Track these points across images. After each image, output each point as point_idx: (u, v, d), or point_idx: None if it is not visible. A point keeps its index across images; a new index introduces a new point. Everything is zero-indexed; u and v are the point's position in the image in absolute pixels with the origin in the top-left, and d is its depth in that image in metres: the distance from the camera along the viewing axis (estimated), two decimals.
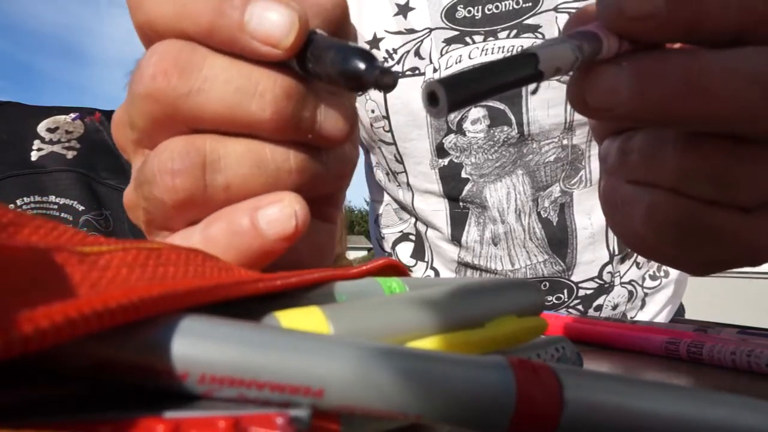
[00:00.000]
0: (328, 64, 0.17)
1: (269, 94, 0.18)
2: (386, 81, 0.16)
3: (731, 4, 0.17)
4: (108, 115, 0.75)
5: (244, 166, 0.18)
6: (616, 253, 0.56)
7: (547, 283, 0.56)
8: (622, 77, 0.17)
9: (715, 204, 0.20)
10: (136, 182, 0.19)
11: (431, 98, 0.14)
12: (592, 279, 0.56)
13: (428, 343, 0.13)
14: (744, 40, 0.17)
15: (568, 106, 0.52)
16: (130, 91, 0.18)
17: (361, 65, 0.16)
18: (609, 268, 0.56)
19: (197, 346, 0.09)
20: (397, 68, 0.55)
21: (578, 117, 0.52)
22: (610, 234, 0.55)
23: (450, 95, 0.14)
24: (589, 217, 0.55)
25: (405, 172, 0.58)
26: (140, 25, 0.19)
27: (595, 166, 0.54)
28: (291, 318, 0.12)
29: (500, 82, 0.15)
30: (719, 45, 0.18)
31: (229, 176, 0.18)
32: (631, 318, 0.59)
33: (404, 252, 0.62)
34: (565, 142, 0.53)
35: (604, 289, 0.57)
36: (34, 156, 0.69)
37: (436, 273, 0.60)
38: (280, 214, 0.18)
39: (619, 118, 0.18)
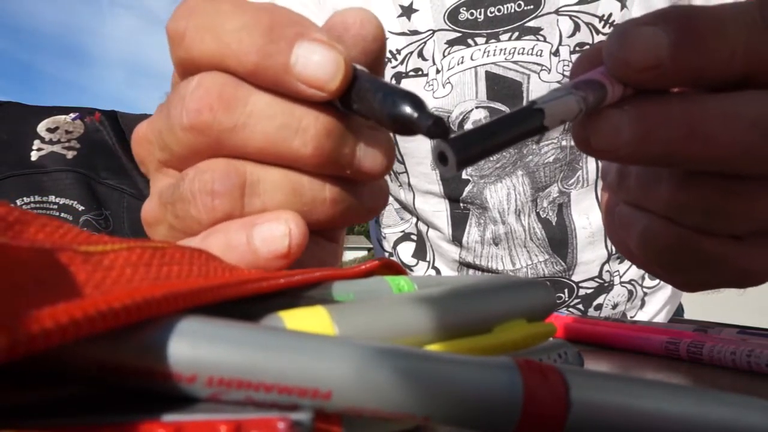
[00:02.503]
0: (375, 106, 0.17)
1: (311, 131, 0.18)
2: (438, 131, 0.16)
3: (737, 52, 0.17)
4: (108, 115, 0.75)
5: (282, 192, 0.18)
6: (614, 252, 0.56)
7: (548, 283, 0.56)
8: (625, 121, 0.18)
9: (708, 233, 0.20)
10: (166, 200, 0.19)
11: (441, 157, 0.15)
12: (592, 278, 0.56)
13: (435, 349, 0.13)
14: (747, 84, 0.18)
15: None
16: (168, 118, 0.18)
17: (414, 113, 0.16)
18: (607, 267, 0.56)
19: (205, 348, 0.09)
20: (401, 69, 0.55)
21: None
22: None
23: (458, 154, 0.14)
24: (587, 217, 0.55)
25: (406, 172, 0.58)
26: (180, 60, 0.18)
27: (591, 166, 0.54)
28: (295, 318, 0.12)
29: (506, 138, 0.16)
30: (721, 89, 0.18)
31: (266, 200, 0.18)
32: (631, 317, 0.59)
33: (405, 252, 0.62)
34: (564, 143, 0.53)
35: (604, 288, 0.57)
36: (34, 156, 0.69)
37: (438, 273, 0.61)
38: (274, 232, 0.18)
39: (622, 159, 0.19)
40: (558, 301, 0.57)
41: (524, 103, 0.52)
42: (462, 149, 0.15)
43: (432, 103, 0.54)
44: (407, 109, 0.16)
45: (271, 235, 0.18)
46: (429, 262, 0.61)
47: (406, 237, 0.62)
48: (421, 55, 0.54)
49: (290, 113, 0.18)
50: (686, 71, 0.17)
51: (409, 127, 0.16)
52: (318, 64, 0.17)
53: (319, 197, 0.19)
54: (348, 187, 0.20)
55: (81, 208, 0.68)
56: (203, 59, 0.18)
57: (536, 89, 0.52)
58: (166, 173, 0.20)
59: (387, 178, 0.62)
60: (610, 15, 0.51)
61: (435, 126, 0.16)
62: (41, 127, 0.70)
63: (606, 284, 0.57)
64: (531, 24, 0.52)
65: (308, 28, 0.17)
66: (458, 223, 0.57)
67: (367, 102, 0.17)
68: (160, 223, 0.20)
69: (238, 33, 0.17)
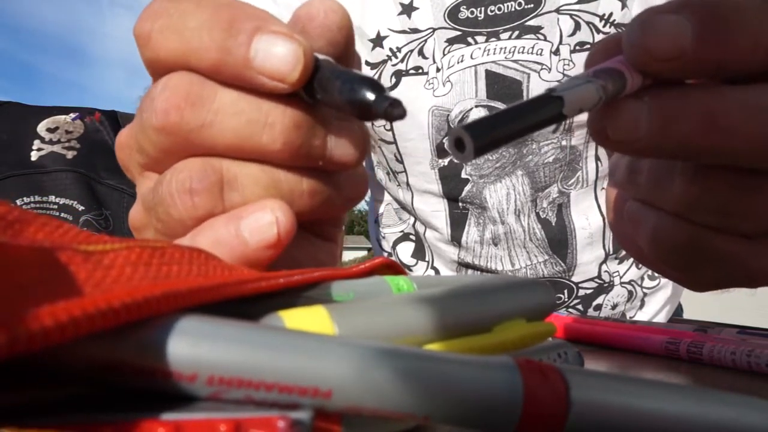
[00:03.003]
0: (335, 94, 0.17)
1: (279, 125, 0.18)
2: (396, 113, 0.16)
3: (761, 44, 0.17)
4: (108, 115, 0.75)
5: (259, 186, 0.19)
6: (611, 252, 0.56)
7: (546, 283, 0.56)
8: (643, 112, 0.17)
9: (719, 231, 0.20)
10: (147, 204, 0.19)
11: (458, 144, 0.14)
12: (591, 279, 0.56)
13: (435, 349, 0.13)
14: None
15: None
16: (140, 121, 0.18)
17: (371, 95, 0.16)
18: (605, 267, 0.56)
19: (206, 347, 0.09)
20: (401, 67, 0.55)
21: (578, 118, 0.52)
22: (607, 233, 0.55)
23: (476, 141, 0.14)
24: (586, 217, 0.55)
25: (405, 171, 0.58)
26: (148, 61, 0.19)
27: (591, 167, 0.54)
28: (295, 318, 0.12)
29: (524, 126, 0.15)
30: (742, 80, 0.18)
31: (245, 195, 0.18)
32: (630, 318, 0.59)
33: (405, 252, 0.62)
34: (564, 143, 0.53)
35: (604, 288, 0.57)
36: (34, 156, 0.68)
37: (437, 273, 0.61)
38: (261, 221, 0.18)
39: (639, 151, 0.18)
40: (558, 302, 0.57)
41: None
42: (480, 135, 0.14)
43: (432, 102, 0.54)
44: (365, 94, 0.16)
45: (258, 225, 0.18)
46: (428, 262, 0.61)
47: (405, 237, 0.62)
48: (421, 53, 0.54)
49: (257, 108, 0.18)
50: (708, 62, 0.17)
51: (367, 111, 0.16)
52: (277, 56, 0.17)
53: (296, 189, 0.19)
54: (325, 178, 0.20)
55: (81, 208, 0.68)
56: (169, 59, 0.18)
57: (536, 88, 0.52)
58: (148, 177, 0.20)
59: (384, 175, 0.62)
60: (611, 14, 0.51)
61: (392, 107, 0.16)
62: (41, 127, 0.70)
63: (605, 285, 0.57)
64: (531, 23, 0.52)
65: (267, 21, 0.17)
66: (457, 223, 0.57)
67: (328, 90, 0.17)
68: (146, 228, 0.20)
69: (199, 31, 0.17)
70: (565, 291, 0.56)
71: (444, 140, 0.55)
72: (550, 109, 0.16)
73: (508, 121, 0.15)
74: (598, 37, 0.52)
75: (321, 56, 0.18)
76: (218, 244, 0.18)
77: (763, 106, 0.17)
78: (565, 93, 0.16)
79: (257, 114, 0.18)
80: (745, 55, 0.17)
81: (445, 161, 0.55)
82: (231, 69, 0.17)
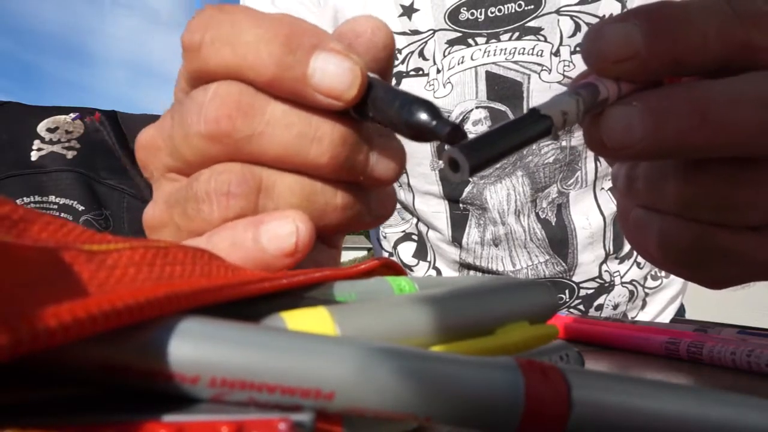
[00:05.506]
0: (392, 114, 0.17)
1: (327, 139, 0.18)
2: (457, 137, 0.16)
3: (709, 35, 0.17)
4: (108, 115, 0.75)
5: (295, 197, 0.19)
6: (611, 252, 0.56)
7: (549, 284, 0.56)
8: (634, 116, 0.18)
9: (722, 226, 0.20)
10: (176, 200, 0.19)
11: (452, 164, 0.15)
12: (592, 279, 0.56)
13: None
14: (732, 66, 0.18)
15: None
16: (183, 126, 0.18)
17: (431, 120, 0.16)
18: (605, 266, 0.56)
19: (209, 349, 0.09)
20: (402, 68, 0.55)
21: None
22: (607, 233, 0.56)
23: (470, 160, 0.15)
24: (586, 217, 0.55)
25: (406, 172, 0.58)
26: (195, 71, 0.19)
27: (590, 167, 0.54)
28: (297, 318, 0.12)
29: (516, 141, 0.16)
30: (711, 74, 0.18)
31: (280, 204, 0.19)
32: (632, 318, 0.59)
33: (406, 252, 0.62)
34: (564, 143, 0.53)
35: (605, 288, 0.57)
36: (34, 156, 0.69)
37: (438, 273, 0.61)
38: (281, 230, 0.18)
39: (637, 155, 0.19)
40: (559, 302, 0.57)
41: (525, 102, 0.52)
42: (474, 155, 0.15)
43: None
44: (424, 117, 0.16)
45: (277, 233, 0.18)
46: (430, 262, 0.61)
47: (406, 237, 0.62)
48: (421, 54, 0.54)
49: (307, 122, 0.18)
50: (663, 58, 0.18)
51: (426, 135, 0.16)
52: (335, 75, 0.17)
53: (331, 203, 0.19)
54: (359, 194, 0.20)
55: (81, 208, 0.68)
56: (219, 70, 0.18)
57: (537, 89, 0.52)
58: (172, 178, 0.20)
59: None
60: (611, 15, 0.51)
61: (454, 132, 0.16)
62: (41, 127, 0.70)
63: (607, 284, 0.57)
64: (531, 24, 0.52)
65: (324, 39, 0.18)
66: (458, 224, 0.57)
67: (382, 110, 0.17)
68: (165, 226, 0.20)
69: (256, 45, 0.17)
70: (567, 291, 0.57)
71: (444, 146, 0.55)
72: (535, 124, 0.16)
73: (500, 139, 0.16)
74: None
75: (370, 74, 0.18)
76: (235, 248, 0.18)
77: (748, 95, 0.17)
78: (541, 105, 0.17)
79: (307, 127, 0.18)
80: (696, 49, 0.18)
81: None
82: (287, 85, 0.17)
